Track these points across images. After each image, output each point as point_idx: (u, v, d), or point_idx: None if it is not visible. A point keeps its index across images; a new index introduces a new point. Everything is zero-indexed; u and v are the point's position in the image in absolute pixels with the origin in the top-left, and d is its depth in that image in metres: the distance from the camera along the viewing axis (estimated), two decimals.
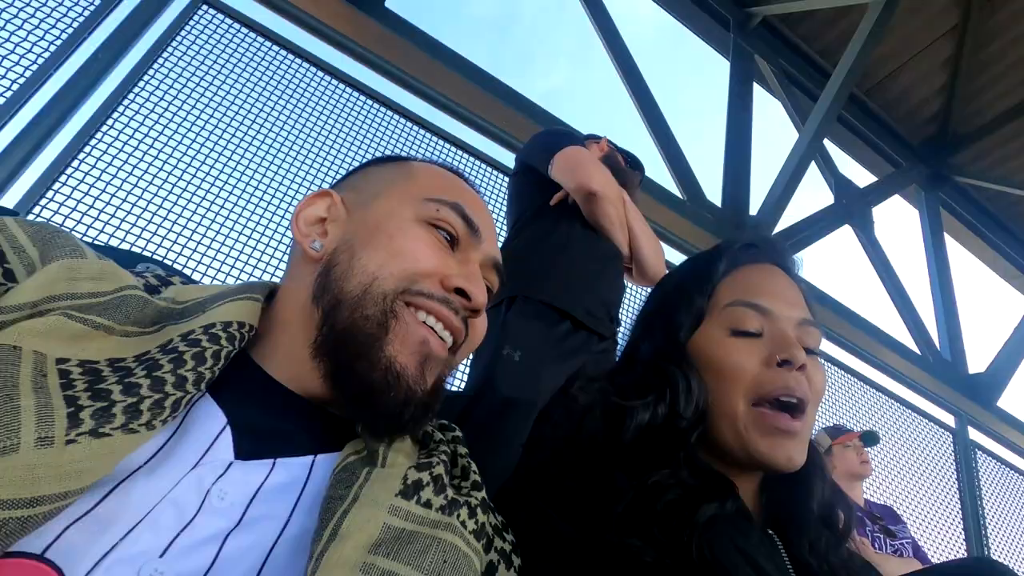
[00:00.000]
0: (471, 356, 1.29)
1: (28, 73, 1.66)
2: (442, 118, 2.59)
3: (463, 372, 1.65)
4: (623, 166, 1.64)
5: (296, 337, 0.50)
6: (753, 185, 3.41)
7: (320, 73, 2.29)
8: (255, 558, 0.38)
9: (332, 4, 2.34)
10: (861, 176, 4.22)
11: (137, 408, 0.36)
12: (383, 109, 2.39)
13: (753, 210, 3.31)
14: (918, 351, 3.83)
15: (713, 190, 3.31)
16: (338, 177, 2.05)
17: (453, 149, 2.53)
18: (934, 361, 3.83)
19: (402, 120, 2.42)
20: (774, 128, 4.19)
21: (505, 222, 1.59)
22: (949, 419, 3.70)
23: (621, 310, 1.48)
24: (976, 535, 3.25)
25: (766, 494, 0.67)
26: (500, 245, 1.41)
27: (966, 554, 3.15)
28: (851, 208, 3.80)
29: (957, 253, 4.62)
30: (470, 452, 0.59)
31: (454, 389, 1.83)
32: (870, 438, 2.34)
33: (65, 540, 0.32)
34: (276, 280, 0.61)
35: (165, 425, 0.38)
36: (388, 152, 2.31)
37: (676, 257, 3.08)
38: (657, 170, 3.18)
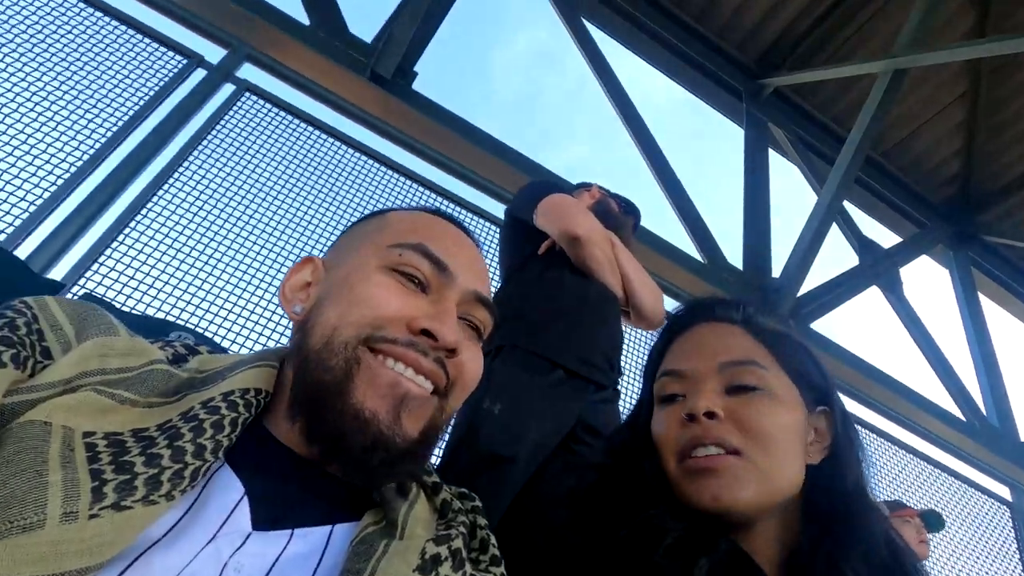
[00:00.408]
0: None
1: (86, 156, 1.81)
2: (465, 189, 2.70)
3: None
4: (616, 211, 1.61)
5: (285, 400, 0.50)
6: (775, 249, 3.42)
7: (353, 152, 2.43)
8: None
9: (365, 88, 2.52)
10: (886, 238, 4.20)
11: (158, 479, 0.36)
12: (412, 184, 2.51)
13: (775, 273, 3.30)
14: (963, 418, 3.64)
15: (735, 255, 3.32)
16: None
17: (478, 219, 2.61)
18: (981, 428, 3.62)
19: (428, 192, 2.53)
20: (794, 193, 4.24)
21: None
22: (1004, 491, 3.46)
23: (623, 358, 1.43)
24: None
25: (785, 541, 0.63)
26: (494, 293, 1.43)
27: None
28: (877, 269, 3.75)
29: (994, 314, 4.47)
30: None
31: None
32: (934, 520, 2.14)
33: None
34: None
35: (185, 495, 0.38)
36: None
37: None
38: (678, 235, 3.22)
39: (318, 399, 0.46)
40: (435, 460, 1.53)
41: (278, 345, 1.89)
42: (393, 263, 0.53)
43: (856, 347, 3.48)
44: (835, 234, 3.75)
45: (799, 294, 3.20)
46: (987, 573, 3.01)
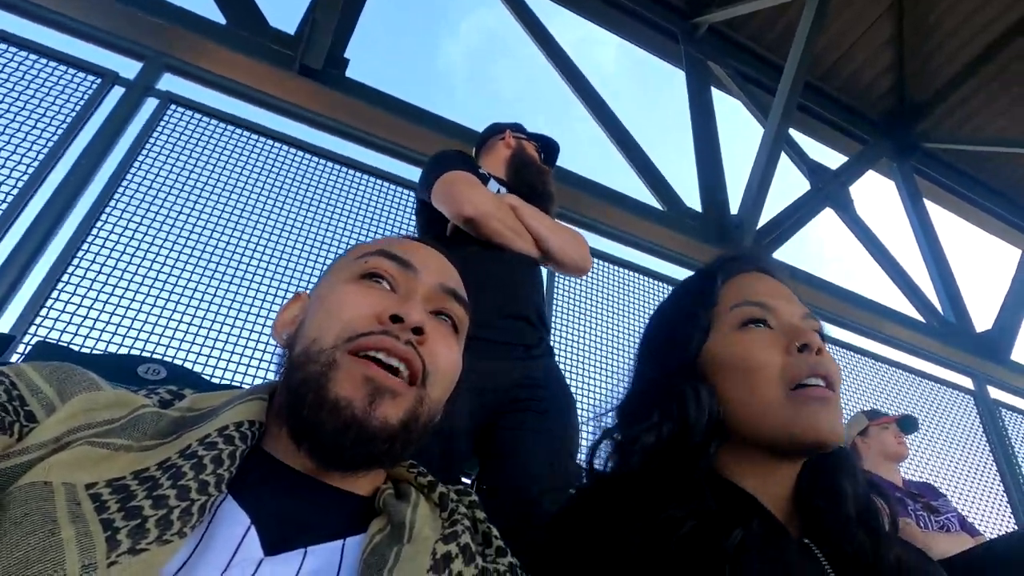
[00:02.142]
0: None
1: (9, 198, 1.70)
2: (413, 171, 2.64)
3: None
4: (533, 157, 1.58)
5: (280, 418, 0.52)
6: (731, 186, 3.48)
7: (295, 151, 2.33)
8: None
9: (295, 82, 2.42)
10: (833, 159, 4.31)
11: (168, 519, 0.37)
12: (364, 176, 2.44)
13: (734, 209, 3.36)
14: (923, 319, 3.84)
15: (693, 198, 3.37)
16: (321, 247, 2.04)
17: None
18: (940, 326, 3.83)
19: (382, 182, 2.47)
20: (742, 129, 4.29)
21: None
22: (967, 382, 3.68)
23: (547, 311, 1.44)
24: (1018, 493, 3.20)
25: (797, 502, 0.66)
26: None
27: (1011, 515, 3.09)
28: (828, 191, 3.87)
29: (942, 217, 4.68)
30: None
31: None
32: (909, 424, 2.31)
33: None
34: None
35: (194, 531, 0.39)
36: (365, 212, 2.35)
37: (667, 268, 3.12)
38: (633, 186, 3.25)
39: (298, 397, 0.48)
40: None
41: (248, 363, 1.86)
42: (360, 271, 0.55)
43: (813, 267, 3.61)
44: (785, 163, 3.84)
45: (758, 226, 3.28)
46: (960, 460, 3.22)
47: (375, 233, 2.36)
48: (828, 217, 3.92)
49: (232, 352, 1.87)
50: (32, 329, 1.62)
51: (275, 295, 2.00)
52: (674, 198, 3.26)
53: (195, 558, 0.39)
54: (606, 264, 2.81)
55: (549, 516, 1.06)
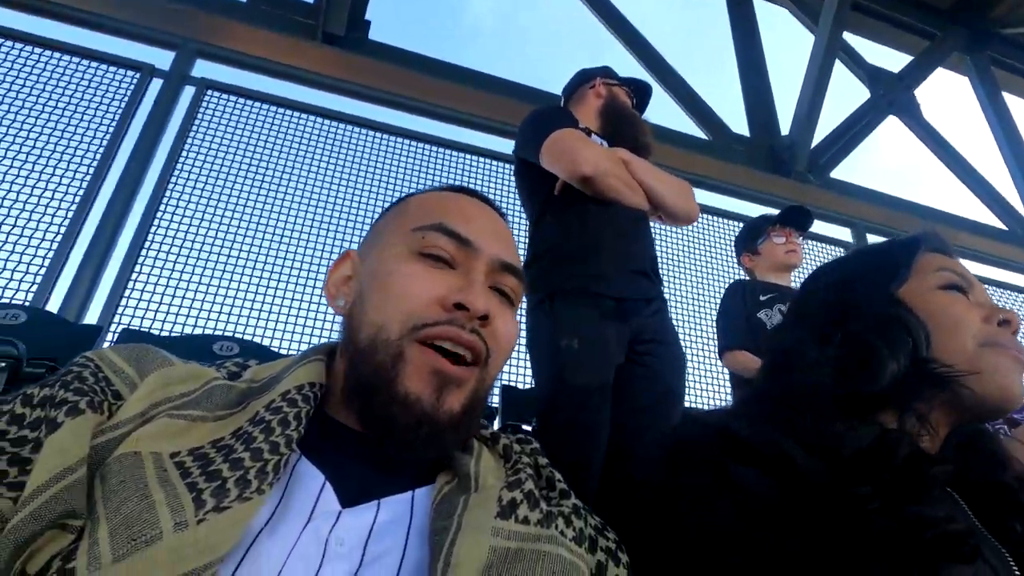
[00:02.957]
0: (533, 355, 1.30)
1: (76, 199, 1.82)
2: (456, 131, 2.62)
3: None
4: (626, 103, 1.57)
5: (344, 387, 0.54)
6: (781, 106, 3.26)
7: (324, 120, 2.36)
8: None
9: (320, 51, 2.41)
10: (895, 61, 3.94)
11: (245, 479, 0.41)
12: (401, 140, 2.44)
13: (784, 131, 3.16)
14: (1005, 226, 3.55)
15: (739, 123, 3.19)
16: (361, 210, 2.08)
17: (469, 157, 2.55)
18: None
19: (419, 144, 2.47)
20: (790, 41, 3.97)
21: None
22: None
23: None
24: None
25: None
26: (528, 238, 1.42)
27: None
28: (891, 97, 3.56)
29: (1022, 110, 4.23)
30: (563, 445, 0.60)
31: (525, 387, 1.85)
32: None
33: None
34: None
35: (272, 488, 0.42)
36: (401, 173, 2.37)
37: (718, 200, 3.00)
38: (676, 118, 3.10)
39: (369, 389, 0.50)
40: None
41: (314, 331, 1.95)
42: (418, 247, 0.54)
43: (880, 185, 3.37)
44: (841, 73, 3.54)
45: (812, 145, 3.08)
46: None
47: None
48: (891, 127, 3.63)
49: (293, 320, 1.96)
50: (116, 319, 1.75)
51: (326, 259, 2.07)
52: (719, 125, 3.10)
53: (279, 512, 0.43)
54: None
55: (648, 451, 1.10)
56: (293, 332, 1.95)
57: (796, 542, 0.51)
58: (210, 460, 0.42)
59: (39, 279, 1.69)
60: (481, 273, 0.55)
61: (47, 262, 1.71)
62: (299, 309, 1.99)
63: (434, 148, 2.49)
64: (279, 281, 2.01)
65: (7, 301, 1.63)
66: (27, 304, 1.64)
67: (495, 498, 0.48)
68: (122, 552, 0.34)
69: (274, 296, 1.97)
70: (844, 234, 3.17)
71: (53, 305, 1.69)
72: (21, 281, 1.68)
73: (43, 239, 1.74)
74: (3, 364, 1.03)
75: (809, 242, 2.98)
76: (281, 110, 2.30)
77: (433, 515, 0.46)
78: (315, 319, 1.98)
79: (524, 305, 1.33)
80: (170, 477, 0.39)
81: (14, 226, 1.73)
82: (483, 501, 0.47)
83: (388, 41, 2.57)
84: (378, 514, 0.46)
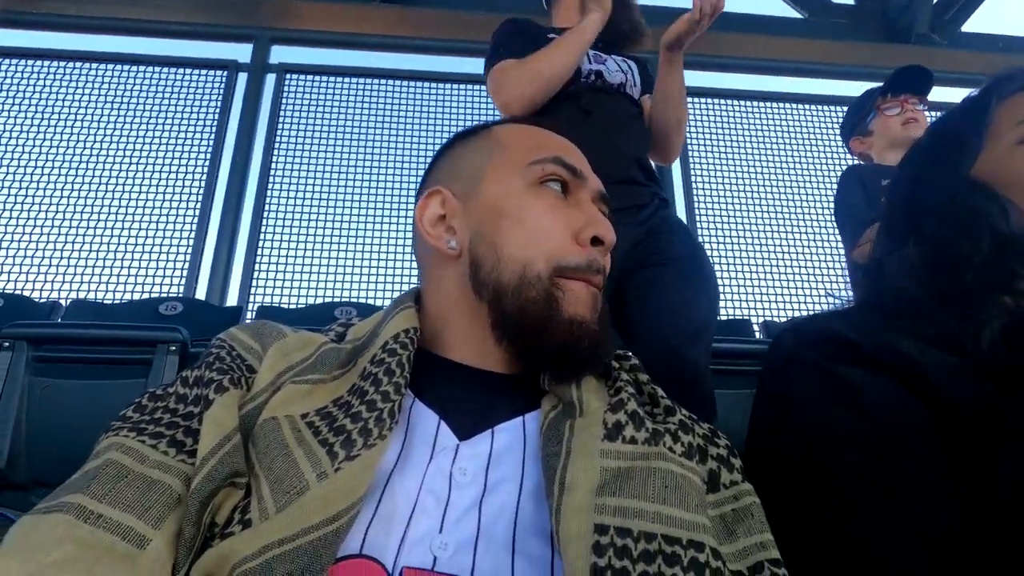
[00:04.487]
0: None
1: (199, 199, 2.05)
2: None
3: None
4: None
5: (467, 327, 0.56)
6: None
7: (398, 82, 2.40)
8: (508, 515, 0.46)
9: (380, 12, 2.43)
10: None
11: (366, 428, 0.46)
12: (463, 85, 2.44)
13: None
14: None
15: None
16: None
17: None
18: None
19: (480, 87, 2.45)
20: None
21: None
22: None
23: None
24: None
25: None
26: None
27: None
28: None
29: None
30: None
31: None
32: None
33: (369, 539, 0.43)
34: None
35: (393, 432, 0.47)
36: (477, 119, 2.36)
37: (829, 88, 2.68)
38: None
39: (532, 326, 0.53)
40: None
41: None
42: (537, 177, 0.57)
43: None
44: None
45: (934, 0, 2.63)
46: None
47: None
48: None
49: (401, 276, 2.10)
50: (251, 298, 1.98)
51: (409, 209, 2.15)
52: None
53: (404, 453, 0.48)
54: (757, 103, 2.52)
55: (693, 365, 1.06)
56: (403, 286, 2.08)
57: (923, 440, 0.49)
58: (334, 417, 0.47)
59: (185, 271, 1.94)
60: (591, 203, 0.59)
61: (188, 256, 1.96)
62: (404, 264, 2.12)
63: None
64: (383, 240, 2.14)
65: (166, 295, 1.90)
66: (180, 295, 1.90)
67: (599, 422, 0.50)
68: (282, 503, 0.41)
69: (380, 255, 2.12)
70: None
71: (200, 293, 1.95)
72: (173, 276, 1.94)
73: (181, 237, 1.99)
74: (174, 347, 1.22)
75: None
76: (354, 79, 2.38)
77: (543, 441, 0.49)
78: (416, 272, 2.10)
79: None
80: (304, 437, 0.45)
81: (156, 231, 1.99)
82: (588, 425, 0.49)
83: None
84: (493, 442, 0.50)
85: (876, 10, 2.71)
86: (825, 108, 2.64)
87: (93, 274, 1.95)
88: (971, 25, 2.80)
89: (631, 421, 0.51)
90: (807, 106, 2.62)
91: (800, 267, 2.41)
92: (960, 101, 0.71)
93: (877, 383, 0.52)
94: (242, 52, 2.36)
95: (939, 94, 2.54)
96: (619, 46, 1.33)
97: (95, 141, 2.11)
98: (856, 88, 2.67)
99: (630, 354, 0.62)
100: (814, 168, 2.53)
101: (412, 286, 2.04)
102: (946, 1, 2.74)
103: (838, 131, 1.98)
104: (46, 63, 2.20)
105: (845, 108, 2.59)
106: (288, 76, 2.33)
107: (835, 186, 2.10)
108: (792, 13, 2.74)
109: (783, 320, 2.37)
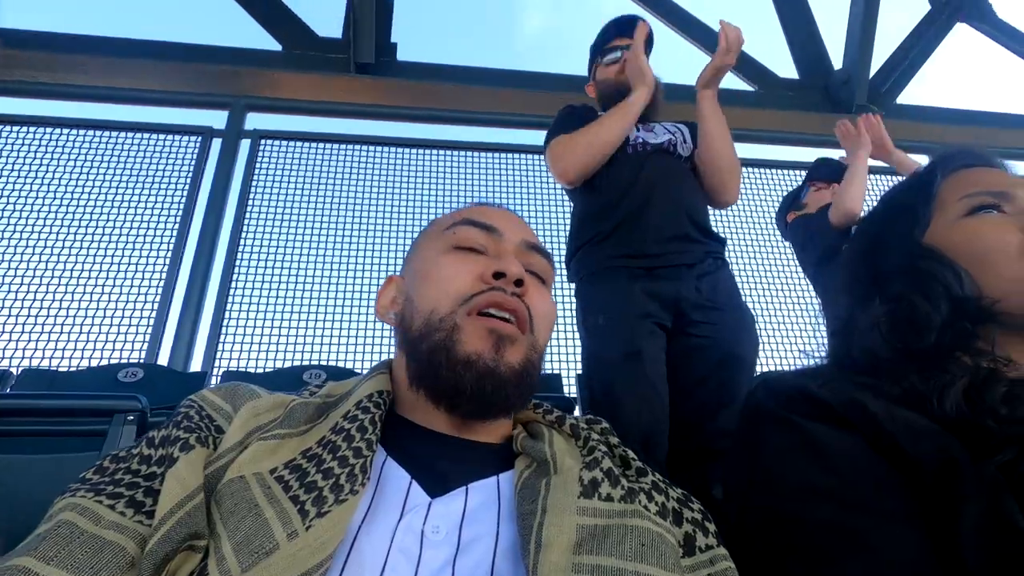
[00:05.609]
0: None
1: (166, 263, 2.02)
2: (502, 133, 2.67)
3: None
4: (611, 86, 1.42)
5: (408, 387, 0.58)
6: (831, 40, 3.04)
7: (370, 147, 2.47)
8: (483, 574, 0.45)
9: (356, 82, 2.52)
10: None
11: (338, 484, 0.45)
12: (450, 153, 2.53)
13: (838, 65, 2.96)
14: None
15: (787, 68, 3.01)
16: (418, 225, 2.18)
17: (505, 156, 2.58)
18: None
19: (466, 153, 2.54)
20: None
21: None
22: None
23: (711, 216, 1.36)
24: None
25: None
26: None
27: None
28: (955, 3, 3.23)
29: None
30: (604, 416, 0.62)
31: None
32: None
33: None
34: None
35: (365, 488, 0.46)
36: (447, 184, 2.44)
37: (777, 153, 2.86)
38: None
39: (431, 363, 0.54)
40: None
41: (391, 345, 2.05)
42: (451, 243, 0.60)
43: (958, 103, 3.08)
44: None
45: (871, 75, 2.87)
46: None
47: (463, 200, 2.44)
48: (960, 37, 3.30)
49: (370, 338, 2.08)
50: (216, 363, 1.93)
51: (389, 271, 2.16)
52: (765, 73, 2.94)
53: (373, 510, 0.47)
54: None
55: (716, 433, 1.08)
56: (373, 351, 2.06)
57: (890, 496, 0.50)
58: (305, 471, 0.46)
59: (148, 337, 1.89)
60: (510, 253, 0.60)
61: (151, 321, 1.91)
62: (375, 328, 2.10)
63: (471, 153, 2.55)
64: (352, 303, 2.13)
65: (126, 361, 1.84)
66: (142, 361, 1.84)
67: (576, 479, 0.50)
68: (248, 563, 0.39)
69: (351, 319, 2.10)
70: (925, 161, 2.92)
71: (163, 358, 1.89)
72: (134, 341, 1.88)
73: (146, 301, 1.95)
74: (132, 417, 1.17)
75: (890, 178, 2.78)
76: (329, 145, 2.44)
77: (518, 499, 0.48)
78: (389, 335, 2.08)
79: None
80: (274, 493, 0.45)
81: (120, 294, 1.95)
82: (564, 483, 0.49)
83: (417, 57, 2.65)
84: (467, 499, 0.49)
85: (819, 84, 2.94)
86: (773, 171, 2.81)
87: (49, 339, 1.88)
88: (905, 97, 3.06)
89: (607, 478, 0.51)
90: (760, 170, 2.79)
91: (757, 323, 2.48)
92: (908, 175, 0.77)
93: (845, 441, 0.53)
94: (218, 118, 2.41)
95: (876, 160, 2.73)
96: (660, 114, 1.45)
97: (61, 204, 2.08)
98: (803, 153, 2.88)
99: (600, 419, 0.64)
100: (763, 227, 2.66)
101: (384, 348, 2.00)
102: (882, 76, 2.99)
103: (783, 197, 2.10)
104: (15, 128, 2.20)
105: (793, 171, 2.77)
106: (263, 141, 2.37)
107: (786, 245, 2.19)
108: (744, 86, 2.95)
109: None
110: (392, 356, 0.65)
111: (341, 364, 1.98)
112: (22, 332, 1.88)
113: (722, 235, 1.34)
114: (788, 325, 2.47)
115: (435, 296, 0.56)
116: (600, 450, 0.55)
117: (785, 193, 2.11)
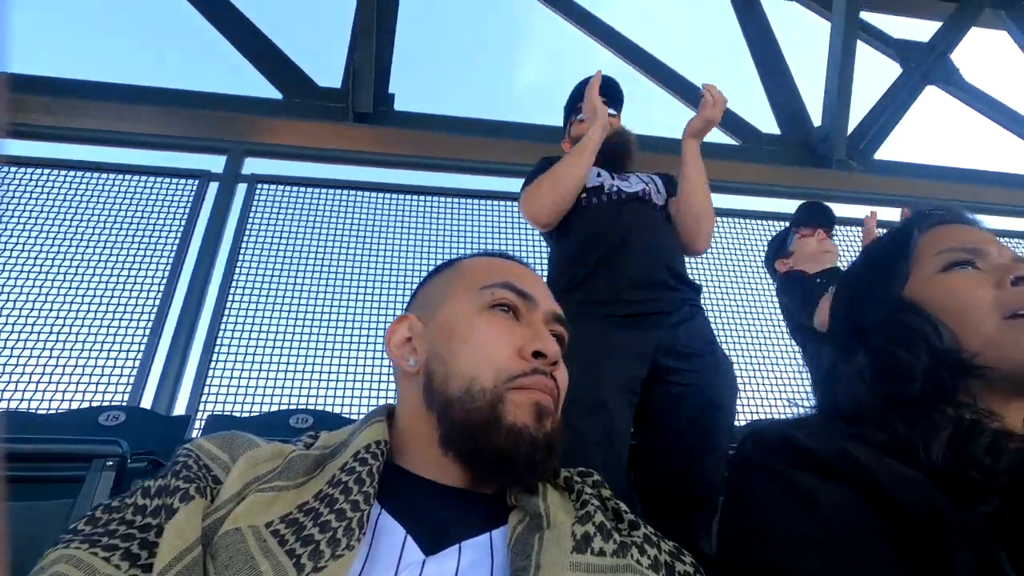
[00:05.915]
0: None
1: (155, 305, 2.01)
2: (495, 181, 2.73)
3: None
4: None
5: (423, 440, 0.58)
6: (811, 98, 3.19)
7: (368, 193, 2.52)
8: None
9: (354, 131, 2.59)
10: (923, 31, 3.80)
11: (335, 538, 0.45)
12: (448, 200, 2.58)
13: (817, 122, 3.09)
14: None
15: (767, 123, 3.15)
16: (414, 273, 2.19)
17: (502, 203, 2.64)
18: None
19: (468, 200, 2.59)
20: (805, 35, 3.92)
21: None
22: None
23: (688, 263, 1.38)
24: None
25: None
26: None
27: None
28: (925, 67, 3.42)
29: None
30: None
31: None
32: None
33: None
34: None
35: (360, 543, 0.46)
36: (443, 231, 2.47)
37: (760, 204, 2.95)
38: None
39: (474, 434, 0.54)
40: None
41: (381, 392, 2.03)
42: (488, 302, 0.61)
43: (932, 159, 3.22)
44: (866, 54, 3.45)
45: (849, 132, 2.99)
46: None
47: (456, 246, 2.47)
48: (931, 98, 3.48)
49: (361, 386, 2.05)
50: (201, 407, 1.89)
51: (384, 320, 2.17)
52: (747, 128, 3.07)
53: (368, 566, 0.46)
54: None
55: (701, 480, 1.07)
56: (361, 397, 2.03)
57: (878, 545, 0.50)
58: (301, 525, 0.46)
59: (132, 379, 1.85)
60: (542, 323, 0.62)
61: (137, 363, 1.88)
62: (365, 374, 2.08)
63: (467, 200, 2.60)
64: (343, 350, 2.11)
65: (108, 403, 1.80)
66: (124, 404, 1.80)
67: (568, 534, 0.50)
68: None
69: (340, 365, 2.08)
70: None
71: (147, 400, 1.85)
72: (117, 384, 1.85)
73: (132, 343, 1.92)
74: (111, 462, 1.14)
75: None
76: (325, 190, 2.48)
77: (511, 556, 0.48)
78: (379, 381, 2.07)
79: None
80: (270, 547, 0.44)
81: (106, 335, 1.92)
82: (557, 538, 0.50)
83: (414, 107, 2.73)
84: (460, 558, 0.49)
85: (800, 140, 3.06)
86: (756, 222, 2.89)
87: (30, 381, 1.85)
88: (882, 153, 3.18)
89: (599, 532, 0.52)
90: (744, 220, 2.87)
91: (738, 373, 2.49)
92: (886, 232, 0.80)
93: (833, 492, 0.54)
94: (215, 163, 2.45)
95: (857, 211, 2.83)
96: (635, 164, 1.50)
97: (53, 244, 2.08)
98: (785, 205, 2.97)
99: (593, 471, 0.64)
100: (748, 277, 2.71)
101: (372, 393, 1.98)
102: (860, 133, 3.12)
103: (767, 243, 2.16)
104: (12, 169, 2.21)
105: (776, 221, 2.85)
106: (259, 186, 2.40)
107: (770, 294, 2.21)
108: (728, 140, 3.06)
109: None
110: (393, 402, 0.65)
111: (328, 409, 1.95)
112: (2, 373, 1.85)
113: (697, 282, 1.35)
114: (769, 373, 2.48)
115: (476, 364, 0.57)
116: (593, 504, 0.56)
117: (764, 260, 2.16)
